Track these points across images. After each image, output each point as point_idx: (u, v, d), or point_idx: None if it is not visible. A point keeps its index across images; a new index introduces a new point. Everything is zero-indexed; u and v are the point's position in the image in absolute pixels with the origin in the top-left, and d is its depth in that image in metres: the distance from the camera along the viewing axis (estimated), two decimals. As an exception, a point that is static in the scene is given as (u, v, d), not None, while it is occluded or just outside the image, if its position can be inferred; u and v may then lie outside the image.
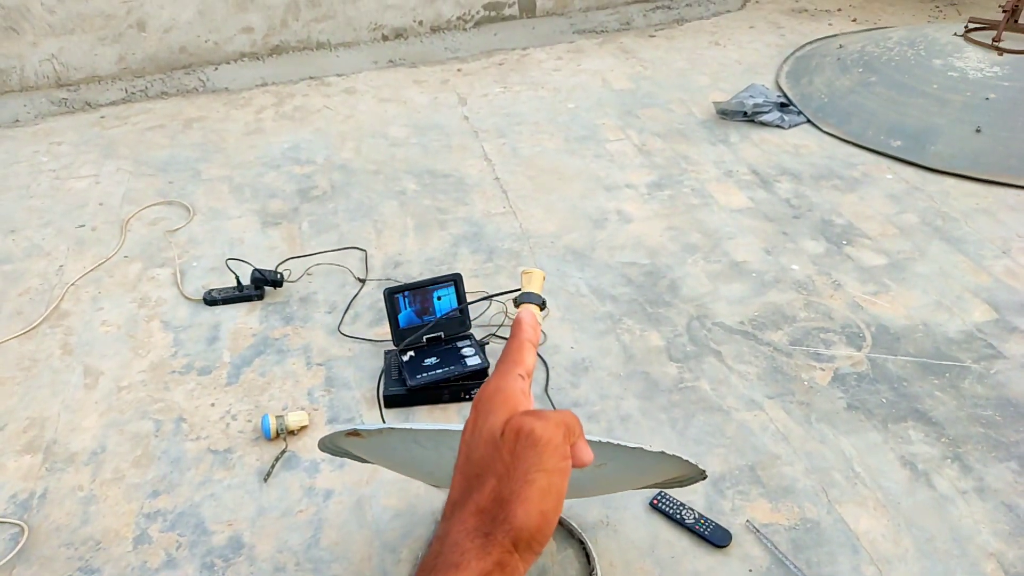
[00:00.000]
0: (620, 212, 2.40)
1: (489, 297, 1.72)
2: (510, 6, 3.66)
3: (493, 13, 3.65)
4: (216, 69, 3.32)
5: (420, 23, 3.56)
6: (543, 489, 0.41)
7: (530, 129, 2.89)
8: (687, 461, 1.02)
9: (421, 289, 1.78)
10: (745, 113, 2.86)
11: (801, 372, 1.78)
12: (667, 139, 2.80)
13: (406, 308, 1.78)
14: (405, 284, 1.78)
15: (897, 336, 1.87)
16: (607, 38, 3.69)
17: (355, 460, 1.29)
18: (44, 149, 2.85)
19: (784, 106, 2.91)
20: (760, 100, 2.87)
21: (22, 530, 1.48)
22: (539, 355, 1.85)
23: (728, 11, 3.90)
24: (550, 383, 1.78)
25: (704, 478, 1.15)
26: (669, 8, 3.87)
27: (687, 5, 3.88)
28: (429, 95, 3.19)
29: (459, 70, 3.41)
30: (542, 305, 1.39)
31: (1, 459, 1.65)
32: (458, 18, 3.61)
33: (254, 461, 1.63)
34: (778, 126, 2.84)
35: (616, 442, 0.91)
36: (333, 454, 1.21)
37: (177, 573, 1.41)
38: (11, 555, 1.44)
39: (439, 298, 1.79)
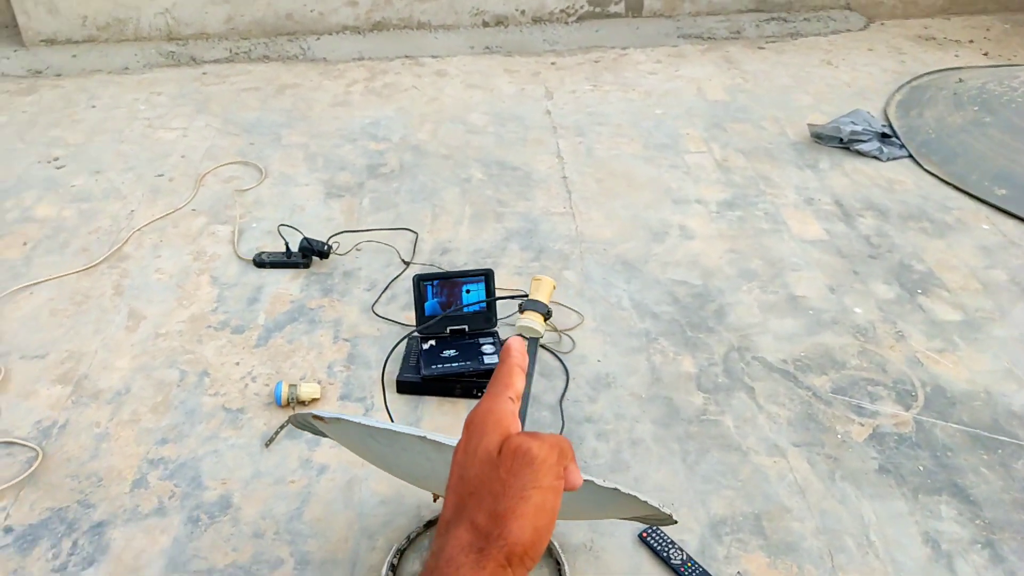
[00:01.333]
0: (683, 227, 2.30)
1: (511, 297, 1.69)
2: (616, 3, 3.58)
3: (598, 9, 3.58)
4: (318, 39, 3.40)
5: (522, 12, 3.53)
6: (538, 506, 0.43)
7: (610, 131, 2.82)
8: (646, 502, 0.95)
9: (450, 280, 1.76)
10: (841, 139, 2.69)
11: (836, 423, 1.66)
12: (751, 157, 2.67)
13: (433, 297, 1.76)
14: (435, 272, 1.77)
15: (953, 400, 1.71)
16: (712, 45, 3.55)
17: (325, 438, 1.28)
18: (144, 98, 3.00)
19: (886, 137, 2.72)
20: (860, 128, 2.69)
21: (37, 455, 1.56)
22: (562, 362, 1.80)
23: (848, 30, 3.68)
24: (567, 394, 1.73)
25: (673, 523, 1.08)
26: (785, 21, 3.69)
27: (805, 19, 3.69)
28: (517, 86, 3.16)
29: (553, 63, 3.36)
30: (546, 315, 1.34)
31: (36, 386, 1.74)
32: (561, 11, 3.56)
33: (261, 425, 1.66)
34: (875, 157, 2.65)
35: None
36: (303, 429, 1.21)
37: (163, 521, 1.45)
38: (22, 476, 1.52)
39: (467, 291, 1.76)
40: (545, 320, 1.32)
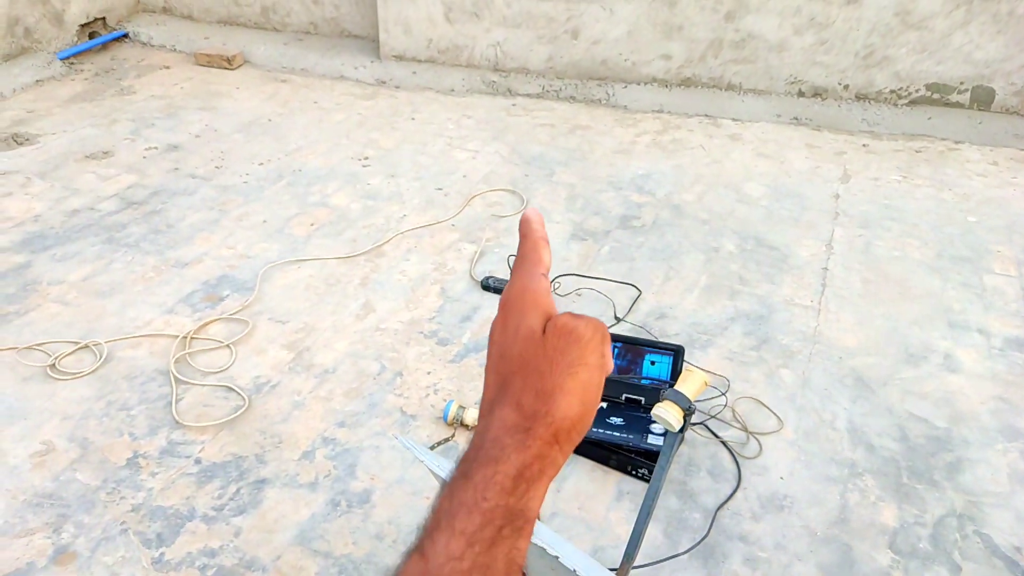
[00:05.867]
0: (948, 356, 1.96)
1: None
2: (960, 91, 3.16)
3: (936, 95, 3.19)
4: (625, 87, 3.48)
5: (845, 87, 3.27)
6: (585, 382, 0.44)
7: (902, 229, 2.49)
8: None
9: (636, 347, 1.69)
10: None
11: (1060, 651, 1.29)
12: (1076, 295, 2.18)
13: (614, 359, 1.70)
14: (624, 336, 1.71)
15: None
16: (1076, 155, 2.97)
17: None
18: (455, 119, 3.31)
19: None
20: None
21: (244, 404, 1.80)
22: (739, 466, 1.63)
23: None
24: (729, 504, 1.56)
25: None
26: None
27: None
28: (812, 163, 2.93)
29: (865, 145, 3.07)
30: (687, 411, 1.23)
31: (269, 346, 2.00)
32: (892, 91, 3.23)
33: (425, 436, 1.73)
34: None
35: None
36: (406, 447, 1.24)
37: (311, 496, 1.59)
38: (227, 419, 1.76)
39: (652, 363, 1.68)
40: (685, 416, 1.20)
